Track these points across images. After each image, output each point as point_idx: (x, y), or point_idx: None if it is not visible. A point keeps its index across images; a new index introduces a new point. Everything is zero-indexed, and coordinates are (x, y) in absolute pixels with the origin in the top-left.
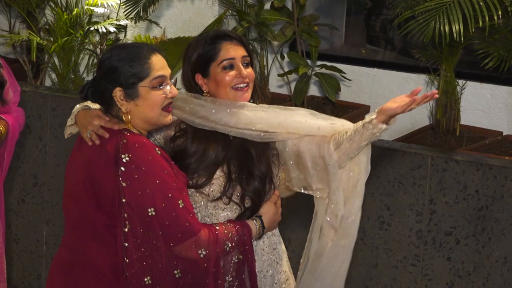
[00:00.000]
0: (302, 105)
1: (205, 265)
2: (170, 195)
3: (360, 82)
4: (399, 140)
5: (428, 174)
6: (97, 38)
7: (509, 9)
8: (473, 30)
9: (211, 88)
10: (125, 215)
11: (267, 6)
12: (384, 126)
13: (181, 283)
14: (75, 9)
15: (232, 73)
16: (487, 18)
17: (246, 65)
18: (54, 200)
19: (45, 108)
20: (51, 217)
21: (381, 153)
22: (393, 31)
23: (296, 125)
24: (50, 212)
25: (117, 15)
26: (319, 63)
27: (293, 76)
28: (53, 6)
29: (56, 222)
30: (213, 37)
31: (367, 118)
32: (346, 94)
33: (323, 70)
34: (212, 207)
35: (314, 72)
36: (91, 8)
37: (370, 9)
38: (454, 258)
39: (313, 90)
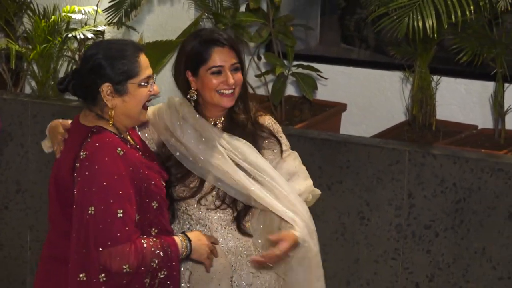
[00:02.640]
0: (280, 104)
1: (126, 281)
2: (111, 201)
3: (336, 80)
4: (376, 136)
5: (406, 169)
6: (75, 44)
7: (481, 3)
8: (446, 25)
9: (198, 87)
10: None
11: (243, 8)
12: None
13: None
14: (53, 17)
15: (219, 78)
16: (459, 14)
17: (235, 70)
18: (37, 206)
19: (25, 115)
20: (34, 223)
21: (359, 150)
22: (367, 29)
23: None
24: (33, 218)
25: (94, 21)
26: (295, 63)
27: (270, 77)
28: (31, 14)
29: (39, 228)
30: (206, 41)
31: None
32: (323, 93)
33: (300, 70)
34: (205, 209)
35: (291, 72)
36: (69, 15)
37: (344, 8)
38: (434, 251)
39: (290, 90)
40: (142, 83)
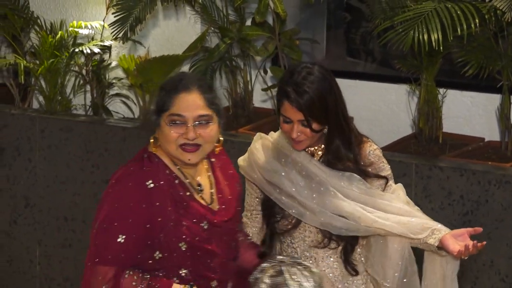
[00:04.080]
0: None
1: None
2: (116, 224)
3: (342, 94)
4: (383, 149)
5: (413, 182)
6: (82, 59)
7: (486, 17)
8: (452, 38)
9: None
10: None
11: (249, 22)
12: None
13: None
14: (60, 32)
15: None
16: (465, 27)
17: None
18: (46, 220)
19: (33, 130)
20: (43, 237)
21: None
22: (373, 43)
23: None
24: (42, 232)
25: (101, 36)
26: None
27: (276, 90)
28: (38, 29)
29: (48, 242)
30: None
31: (431, 241)
32: None
33: None
34: (310, 241)
35: None
36: (76, 30)
37: (349, 22)
38: None
39: None
40: (170, 122)
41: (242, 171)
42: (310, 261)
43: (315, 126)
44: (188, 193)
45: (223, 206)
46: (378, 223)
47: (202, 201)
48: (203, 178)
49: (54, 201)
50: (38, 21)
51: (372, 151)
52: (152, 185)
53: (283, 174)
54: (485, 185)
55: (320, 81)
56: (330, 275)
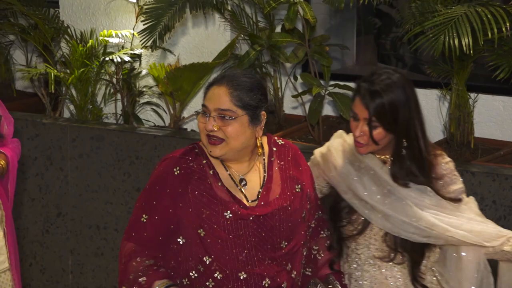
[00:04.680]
0: (317, 124)
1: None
2: (143, 203)
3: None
4: None
5: None
6: (113, 68)
7: None
8: (483, 42)
9: None
10: None
11: (278, 29)
12: None
13: None
14: (90, 41)
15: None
16: (495, 30)
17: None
18: (78, 229)
19: (64, 139)
20: (75, 246)
21: None
22: (403, 48)
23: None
24: (74, 241)
25: (131, 45)
26: (332, 82)
27: (307, 97)
28: (68, 39)
29: (80, 251)
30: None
31: (508, 248)
32: None
33: (336, 90)
34: (374, 249)
35: (328, 91)
36: (106, 39)
37: (379, 28)
38: None
39: (328, 110)
40: (199, 112)
41: (312, 164)
42: (374, 269)
43: (379, 131)
44: (219, 183)
45: (262, 203)
46: (451, 231)
47: (236, 194)
48: (253, 175)
49: (86, 209)
50: (68, 30)
51: (445, 164)
52: (178, 172)
53: (355, 178)
54: None
55: (397, 89)
56: (392, 284)
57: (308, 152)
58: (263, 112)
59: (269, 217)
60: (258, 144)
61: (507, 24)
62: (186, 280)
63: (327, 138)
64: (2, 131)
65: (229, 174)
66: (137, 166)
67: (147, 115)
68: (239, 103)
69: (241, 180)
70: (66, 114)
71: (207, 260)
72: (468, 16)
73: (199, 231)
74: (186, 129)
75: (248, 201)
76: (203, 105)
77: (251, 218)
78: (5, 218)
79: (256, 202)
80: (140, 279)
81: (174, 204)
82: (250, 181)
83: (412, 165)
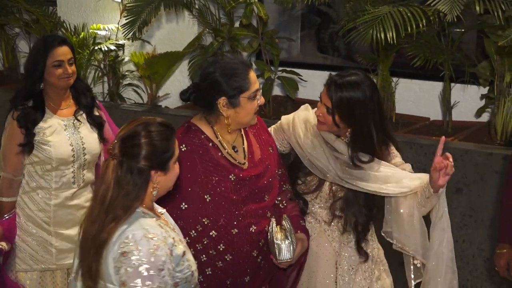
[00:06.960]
0: (268, 103)
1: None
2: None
3: (314, 83)
4: None
5: None
6: (101, 55)
7: (431, 18)
8: (403, 36)
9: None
10: None
11: (237, 24)
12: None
13: None
14: (82, 33)
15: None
16: (414, 26)
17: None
18: None
19: None
20: None
21: None
22: (339, 40)
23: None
24: None
25: (116, 36)
26: (280, 68)
27: (260, 80)
28: (64, 31)
29: None
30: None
31: (427, 192)
32: (303, 93)
33: (284, 74)
34: (318, 207)
35: (277, 76)
36: (95, 31)
37: (320, 24)
38: None
39: (277, 91)
40: (252, 97)
41: (276, 128)
42: (317, 225)
43: (336, 118)
44: (220, 153)
45: (252, 165)
46: (383, 189)
47: (232, 160)
48: (238, 142)
49: None
50: (64, 24)
51: (394, 155)
52: (184, 148)
53: (316, 146)
54: (430, 156)
55: (359, 89)
56: (329, 235)
57: None
58: None
59: (260, 176)
60: None
61: (424, 21)
62: (187, 238)
63: (276, 114)
64: (107, 136)
65: (223, 144)
66: None
67: (129, 94)
68: None
69: (233, 147)
70: None
71: (206, 221)
72: (392, 14)
73: (205, 196)
74: (161, 106)
75: (241, 164)
76: (256, 90)
77: (247, 178)
78: None
79: (247, 164)
80: None
81: (182, 175)
82: (238, 147)
83: (362, 155)
